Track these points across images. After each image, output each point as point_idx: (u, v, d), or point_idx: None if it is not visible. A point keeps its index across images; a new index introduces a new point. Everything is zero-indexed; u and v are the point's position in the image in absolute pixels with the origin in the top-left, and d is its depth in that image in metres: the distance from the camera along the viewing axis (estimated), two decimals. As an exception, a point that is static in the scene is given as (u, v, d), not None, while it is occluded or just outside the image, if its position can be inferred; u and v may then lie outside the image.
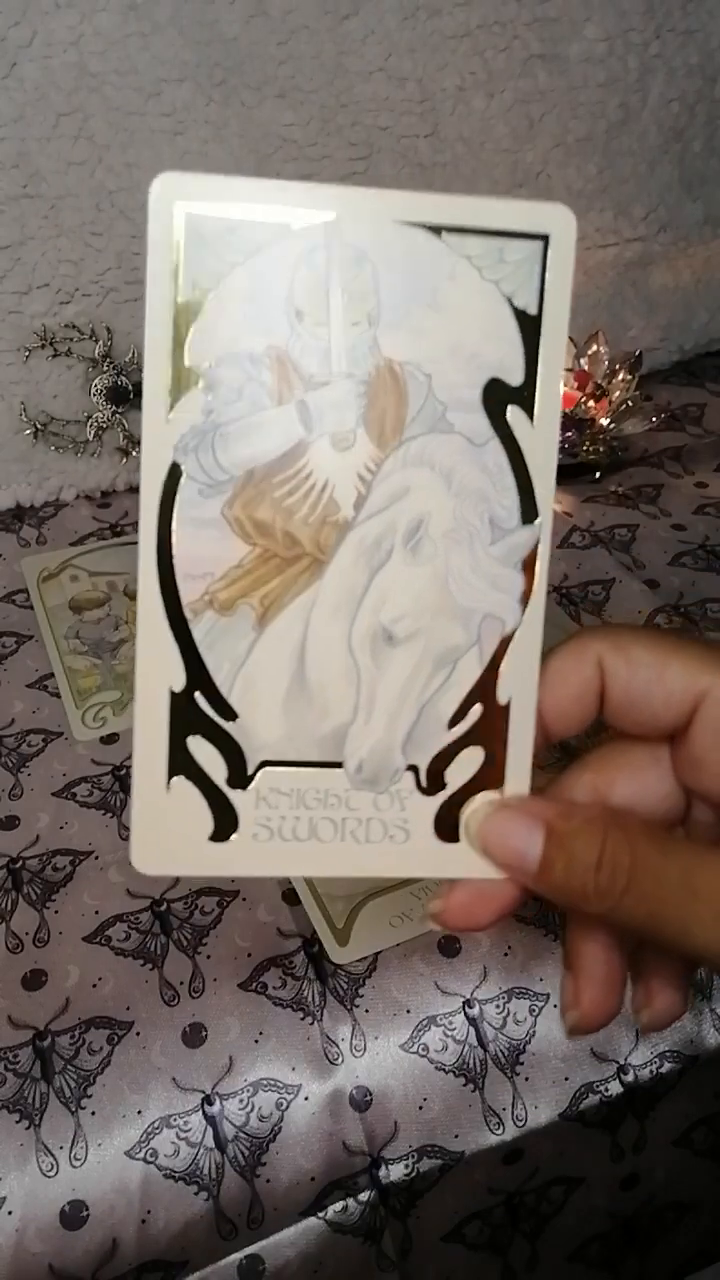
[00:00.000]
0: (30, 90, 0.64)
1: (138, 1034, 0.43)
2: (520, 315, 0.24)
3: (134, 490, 0.74)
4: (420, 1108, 0.43)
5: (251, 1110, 0.42)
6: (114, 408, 0.72)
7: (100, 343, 0.70)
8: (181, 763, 0.24)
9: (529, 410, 0.24)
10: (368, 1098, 0.43)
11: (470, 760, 0.25)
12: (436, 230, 0.23)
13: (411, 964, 0.45)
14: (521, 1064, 0.45)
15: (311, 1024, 0.44)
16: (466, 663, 0.25)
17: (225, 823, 0.25)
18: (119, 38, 0.65)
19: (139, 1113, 0.41)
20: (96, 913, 0.47)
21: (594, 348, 0.78)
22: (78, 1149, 0.40)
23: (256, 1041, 0.43)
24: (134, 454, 0.73)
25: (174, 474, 0.23)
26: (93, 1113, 0.41)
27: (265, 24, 0.69)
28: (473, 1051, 0.44)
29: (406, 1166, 0.43)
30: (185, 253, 0.23)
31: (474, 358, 0.24)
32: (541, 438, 0.24)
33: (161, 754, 0.24)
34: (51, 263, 0.68)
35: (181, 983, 0.45)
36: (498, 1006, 0.45)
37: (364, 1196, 0.43)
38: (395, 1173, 0.43)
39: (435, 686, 0.25)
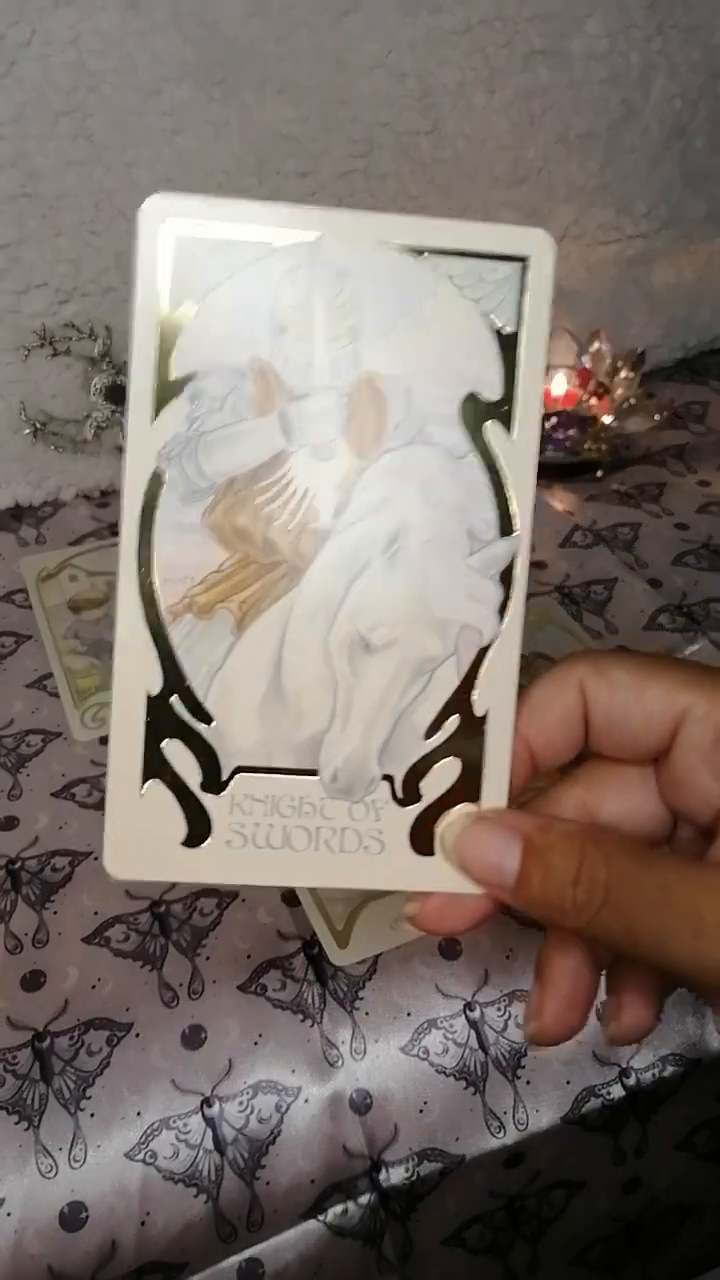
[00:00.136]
0: (29, 89, 0.64)
1: (137, 1035, 0.43)
2: (499, 334, 0.24)
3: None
4: (421, 1111, 0.43)
5: (251, 1112, 0.42)
6: (113, 407, 0.71)
7: (99, 342, 0.70)
8: (156, 766, 0.24)
9: (507, 425, 0.24)
10: (368, 1100, 0.43)
11: (447, 772, 0.25)
12: (419, 251, 0.24)
13: (412, 966, 0.45)
14: (523, 1067, 0.44)
15: (311, 1026, 0.43)
16: (443, 673, 0.25)
17: (199, 828, 0.25)
18: (118, 36, 0.65)
19: (138, 1114, 0.41)
20: (96, 914, 0.47)
21: (596, 345, 0.77)
22: (77, 1150, 0.40)
23: (256, 1043, 0.43)
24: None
25: (156, 480, 0.24)
26: (92, 1114, 0.41)
27: (265, 21, 0.68)
28: (474, 1054, 0.44)
29: (407, 1170, 0.43)
30: (173, 270, 0.23)
31: (454, 373, 0.24)
32: (520, 452, 0.24)
33: (136, 757, 0.24)
34: (50, 262, 0.67)
35: (181, 984, 0.44)
36: (499, 1009, 0.45)
37: (364, 1199, 0.43)
38: (395, 1176, 0.43)
39: (412, 696, 0.25)
